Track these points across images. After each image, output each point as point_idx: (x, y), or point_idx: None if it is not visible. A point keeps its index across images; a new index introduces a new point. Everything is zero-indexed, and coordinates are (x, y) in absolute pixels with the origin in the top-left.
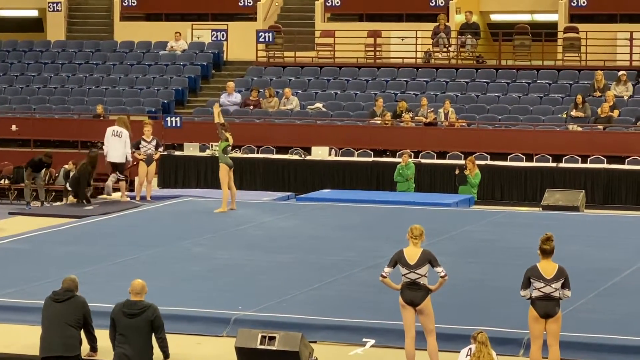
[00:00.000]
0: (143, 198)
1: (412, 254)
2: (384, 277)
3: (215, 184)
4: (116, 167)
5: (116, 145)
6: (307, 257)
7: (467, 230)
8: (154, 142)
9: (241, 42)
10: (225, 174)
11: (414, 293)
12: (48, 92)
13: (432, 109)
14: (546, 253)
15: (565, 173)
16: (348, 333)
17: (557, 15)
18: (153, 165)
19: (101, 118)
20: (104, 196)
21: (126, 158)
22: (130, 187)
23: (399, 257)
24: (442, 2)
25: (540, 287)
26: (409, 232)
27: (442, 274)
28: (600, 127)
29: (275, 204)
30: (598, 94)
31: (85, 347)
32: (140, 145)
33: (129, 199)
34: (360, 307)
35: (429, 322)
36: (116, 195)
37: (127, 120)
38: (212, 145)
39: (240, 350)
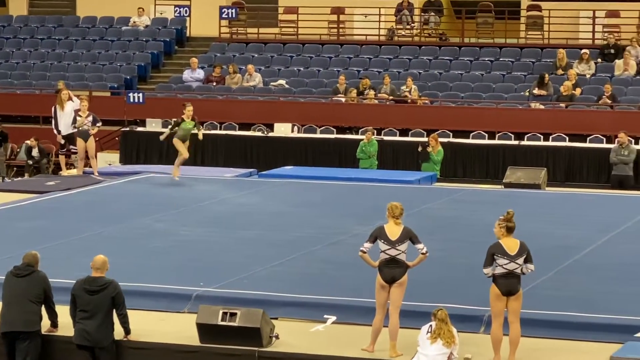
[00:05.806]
0: (86, 173)
1: (393, 230)
2: (364, 252)
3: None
4: (69, 140)
5: (66, 119)
6: (269, 234)
7: (429, 207)
8: (90, 118)
9: (204, 18)
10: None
11: (393, 270)
12: (10, 67)
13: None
14: (511, 230)
15: (527, 151)
16: (309, 310)
17: None
18: (91, 141)
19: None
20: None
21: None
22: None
23: (379, 233)
24: None
25: (505, 264)
26: (389, 210)
27: (424, 250)
28: (563, 105)
29: (237, 181)
30: (560, 72)
31: (45, 322)
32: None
33: (68, 173)
34: (322, 284)
35: (399, 298)
36: (72, 172)
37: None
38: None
39: (201, 327)
